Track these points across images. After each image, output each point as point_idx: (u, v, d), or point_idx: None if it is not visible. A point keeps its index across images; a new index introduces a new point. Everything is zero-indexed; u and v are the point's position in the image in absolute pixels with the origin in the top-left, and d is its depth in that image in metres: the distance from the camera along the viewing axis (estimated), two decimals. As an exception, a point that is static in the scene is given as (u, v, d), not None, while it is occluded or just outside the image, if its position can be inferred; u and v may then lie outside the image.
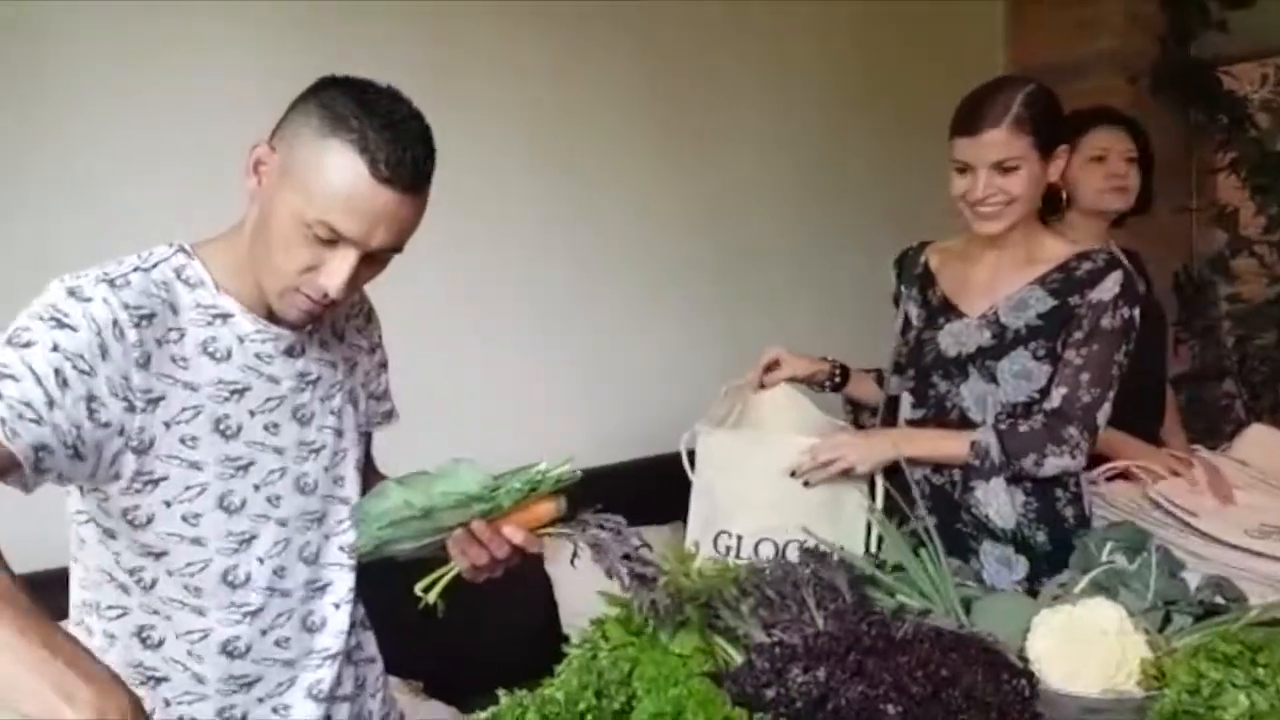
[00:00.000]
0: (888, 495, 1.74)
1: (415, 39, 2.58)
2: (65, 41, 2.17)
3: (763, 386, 1.86)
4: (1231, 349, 3.87)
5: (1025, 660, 1.32)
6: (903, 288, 1.97)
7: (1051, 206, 2.32)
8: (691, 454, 1.87)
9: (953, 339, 1.83)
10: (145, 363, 1.12)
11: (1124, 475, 2.21)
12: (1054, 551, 1.76)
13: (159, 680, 1.25)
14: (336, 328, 1.37)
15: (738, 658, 1.33)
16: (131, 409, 1.12)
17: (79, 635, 1.20)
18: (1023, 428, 1.72)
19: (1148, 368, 2.36)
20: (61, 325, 1.06)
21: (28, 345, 1.04)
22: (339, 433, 1.33)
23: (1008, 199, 1.73)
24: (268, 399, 1.24)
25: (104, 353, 1.08)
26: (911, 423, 1.87)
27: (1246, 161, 3.59)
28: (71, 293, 1.09)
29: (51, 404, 1.03)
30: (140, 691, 1.10)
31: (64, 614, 1.27)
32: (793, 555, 1.73)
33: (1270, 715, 1.14)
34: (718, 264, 3.26)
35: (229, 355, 1.20)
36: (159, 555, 1.20)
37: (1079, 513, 1.81)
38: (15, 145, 2.15)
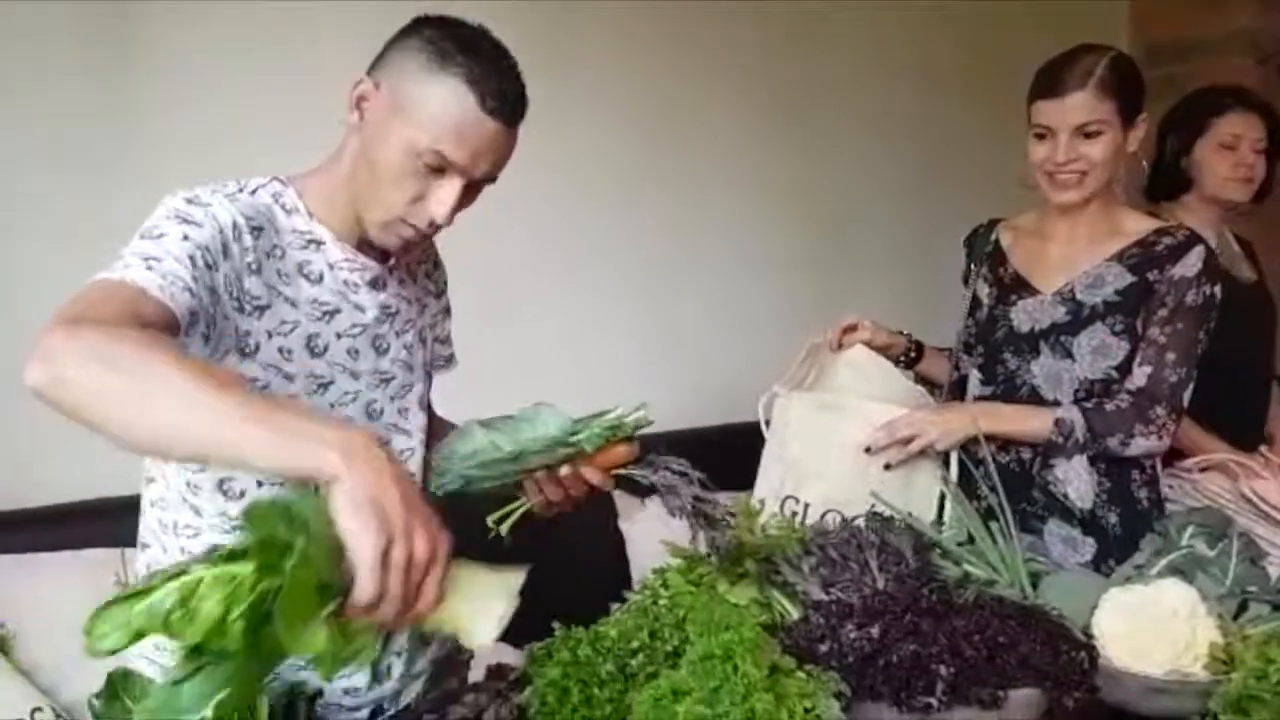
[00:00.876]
0: (962, 469, 1.72)
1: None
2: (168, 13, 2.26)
3: (840, 348, 1.84)
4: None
5: (1090, 637, 1.31)
6: (972, 266, 1.94)
7: (1176, 188, 2.26)
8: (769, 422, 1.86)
9: (1026, 315, 1.79)
10: (257, 269, 1.18)
11: (1219, 469, 2.15)
12: (1124, 535, 1.72)
13: None
14: (411, 269, 1.42)
15: (794, 613, 1.34)
16: (241, 310, 1.17)
17: (154, 556, 1.28)
18: (1109, 406, 1.69)
19: (1254, 358, 2.28)
20: (187, 222, 1.12)
21: (161, 237, 1.09)
22: (409, 367, 1.38)
23: (1088, 166, 1.69)
24: (353, 325, 1.29)
25: (225, 251, 1.13)
26: (980, 399, 1.84)
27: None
28: (190, 200, 1.15)
29: (196, 279, 1.08)
30: None
31: (131, 541, 1.35)
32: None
33: (1339, 704, 1.11)
34: (811, 247, 3.22)
35: (321, 279, 1.26)
36: None
37: (1153, 495, 1.77)
38: (129, 109, 2.23)
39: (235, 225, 1.15)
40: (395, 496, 0.84)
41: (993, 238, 1.93)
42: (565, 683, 1.10)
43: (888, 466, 1.68)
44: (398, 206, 1.21)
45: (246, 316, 1.18)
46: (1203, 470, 2.10)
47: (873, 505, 1.57)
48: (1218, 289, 1.69)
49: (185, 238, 1.10)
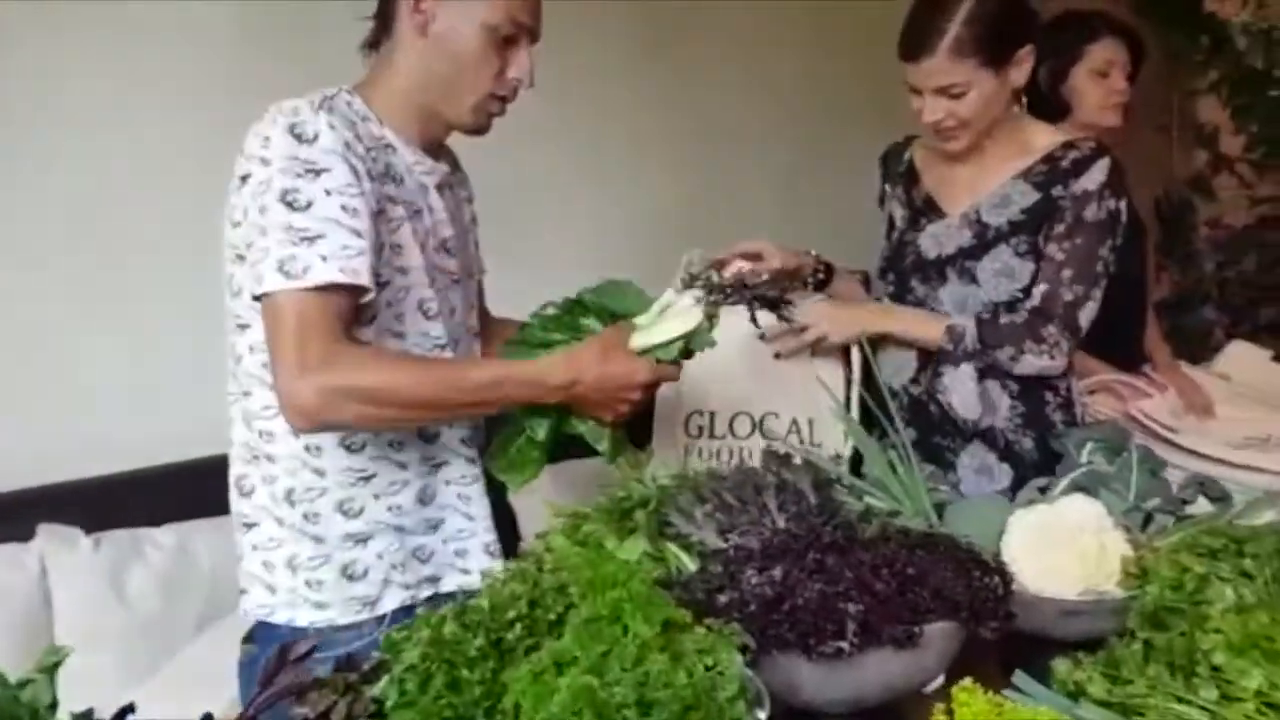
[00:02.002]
0: (868, 373, 1.66)
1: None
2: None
3: (722, 266, 1.71)
4: (1211, 275, 3.78)
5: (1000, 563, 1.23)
6: (887, 186, 1.86)
7: (1050, 116, 2.21)
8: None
9: (933, 240, 1.72)
10: (370, 173, 1.25)
11: (1105, 391, 2.14)
12: (1041, 459, 1.67)
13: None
14: (457, 175, 1.51)
15: (691, 565, 1.23)
16: (377, 214, 1.26)
17: (270, 531, 1.34)
18: (1004, 319, 1.63)
19: (1130, 277, 2.27)
20: (316, 172, 1.19)
21: (309, 206, 1.18)
22: (469, 272, 1.49)
23: (959, 121, 1.62)
24: (431, 225, 1.38)
25: (355, 172, 1.22)
26: None
27: (1229, 81, 3.48)
28: (299, 137, 1.20)
29: (360, 233, 1.20)
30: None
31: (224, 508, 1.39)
32: (771, 428, 1.67)
33: (1259, 608, 1.05)
34: (699, 191, 3.07)
35: (403, 180, 1.33)
36: None
37: (1069, 419, 1.71)
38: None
39: (347, 145, 1.22)
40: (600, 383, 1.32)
41: (906, 156, 1.85)
42: (426, 666, 0.95)
43: (778, 355, 1.65)
44: (487, 83, 1.33)
45: (377, 220, 1.25)
46: (1091, 393, 2.08)
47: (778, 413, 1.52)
48: (1123, 204, 1.63)
49: (328, 193, 1.19)
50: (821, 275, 1.81)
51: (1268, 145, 3.43)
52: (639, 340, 1.36)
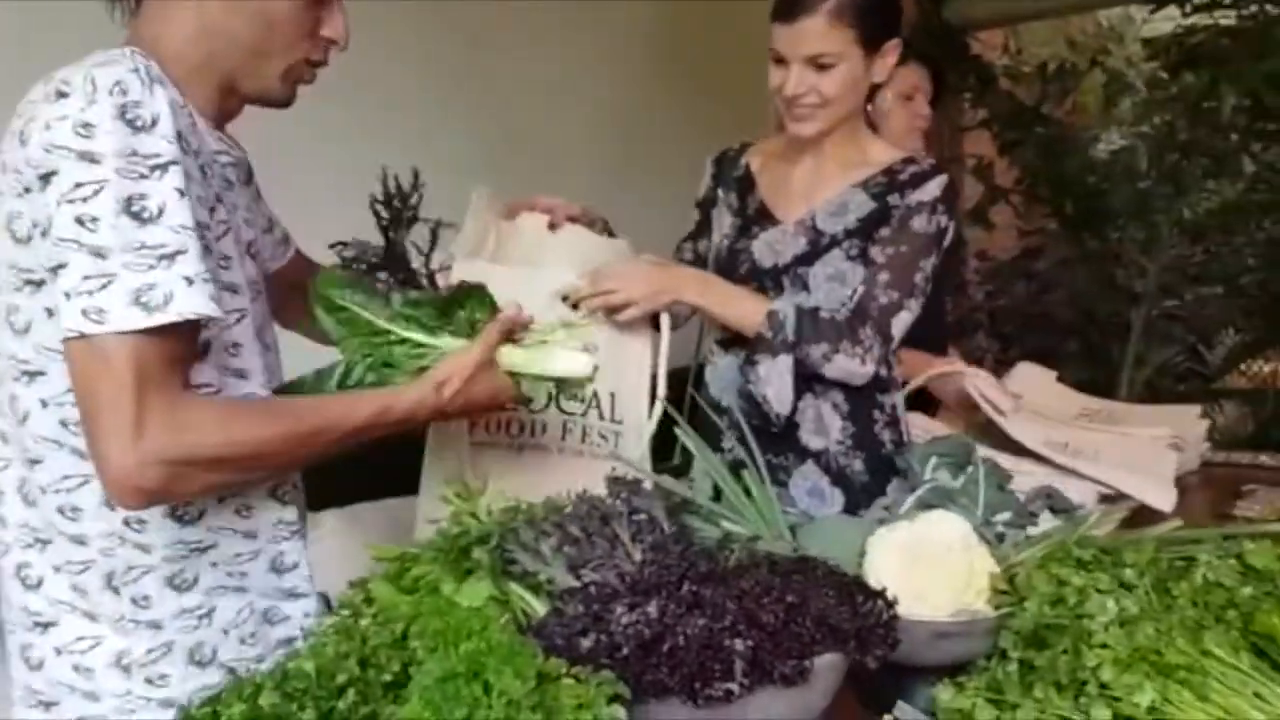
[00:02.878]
0: (706, 418, 1.54)
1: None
2: None
3: (514, 214, 1.54)
4: (982, 302, 3.99)
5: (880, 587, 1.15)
6: (720, 191, 1.77)
7: None
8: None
9: (767, 248, 1.65)
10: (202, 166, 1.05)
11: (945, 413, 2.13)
12: (871, 482, 1.62)
13: None
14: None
15: (541, 609, 1.08)
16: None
17: (79, 630, 1.08)
18: (825, 314, 1.56)
19: (942, 294, 2.31)
20: (164, 166, 0.96)
21: (160, 214, 0.95)
22: (266, 277, 1.23)
23: (820, 100, 1.56)
24: (239, 225, 1.13)
25: (189, 174, 0.99)
26: (722, 344, 1.68)
27: (999, 118, 3.70)
28: (134, 122, 0.95)
29: (208, 248, 1.01)
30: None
31: None
32: (568, 402, 1.48)
33: (1143, 618, 1.02)
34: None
35: (205, 173, 1.07)
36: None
37: (896, 437, 1.67)
38: None
39: (180, 135, 0.99)
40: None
41: (742, 162, 1.76)
42: (245, 749, 0.76)
43: (575, 307, 1.48)
44: (300, 47, 1.12)
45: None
46: (927, 408, 2.07)
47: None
48: (951, 224, 1.61)
49: (180, 194, 0.96)
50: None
51: (1034, 178, 3.67)
52: (511, 360, 1.22)
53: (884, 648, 1.00)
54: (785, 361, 1.55)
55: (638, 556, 1.11)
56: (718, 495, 1.34)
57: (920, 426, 2.04)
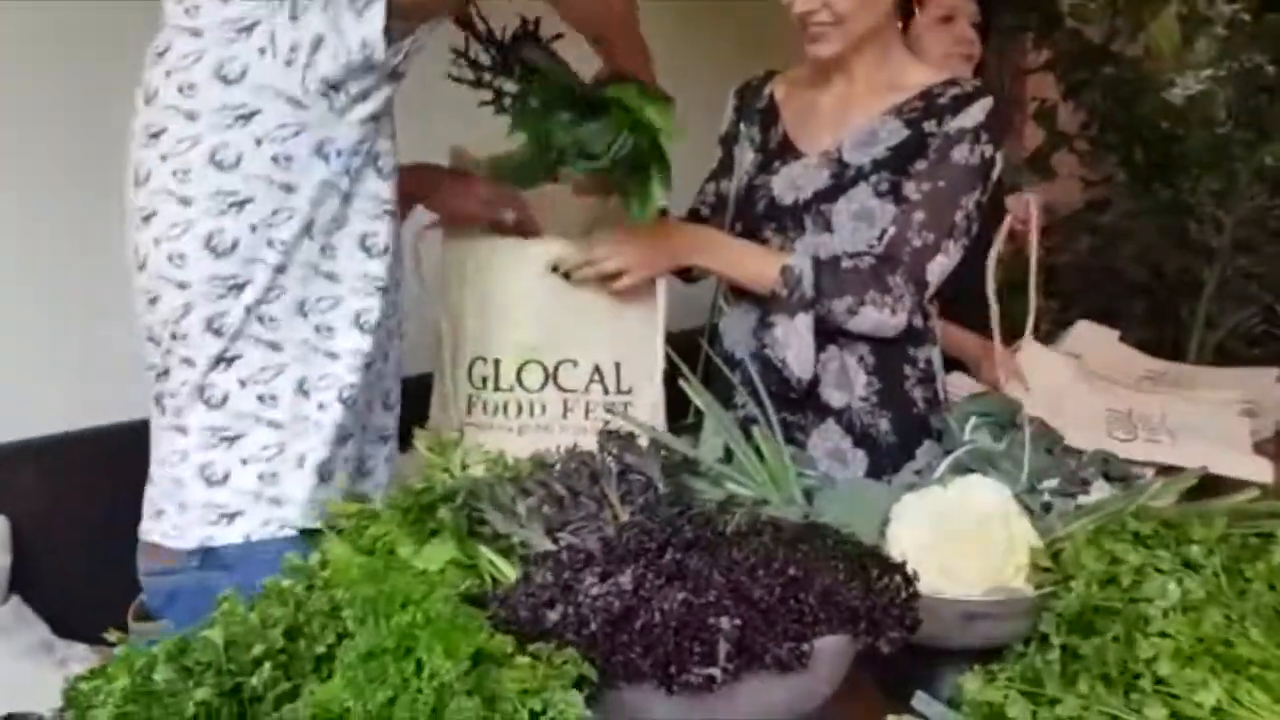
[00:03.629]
0: (719, 373, 1.41)
1: None
2: None
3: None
4: (1041, 259, 3.76)
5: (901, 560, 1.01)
6: (742, 125, 1.61)
7: None
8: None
9: (788, 184, 1.49)
10: None
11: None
12: (898, 443, 1.47)
13: None
14: None
15: (512, 574, 0.96)
16: None
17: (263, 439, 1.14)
18: (845, 264, 1.40)
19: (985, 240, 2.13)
20: None
21: None
22: None
23: (834, 18, 1.40)
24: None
25: None
26: (735, 293, 1.54)
27: (1064, 58, 3.46)
28: None
29: None
30: None
31: None
32: (567, 379, 1.38)
33: (1210, 604, 0.87)
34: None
35: None
36: None
37: (930, 395, 1.51)
38: None
39: None
40: None
41: (766, 91, 1.61)
42: (121, 730, 0.65)
43: (567, 276, 1.37)
44: None
45: None
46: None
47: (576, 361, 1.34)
48: (998, 155, 1.44)
49: None
50: None
51: (1102, 123, 3.43)
52: None
53: (900, 630, 0.86)
54: (804, 320, 1.41)
55: (625, 519, 0.99)
56: (729, 457, 1.21)
57: (965, 387, 1.89)
